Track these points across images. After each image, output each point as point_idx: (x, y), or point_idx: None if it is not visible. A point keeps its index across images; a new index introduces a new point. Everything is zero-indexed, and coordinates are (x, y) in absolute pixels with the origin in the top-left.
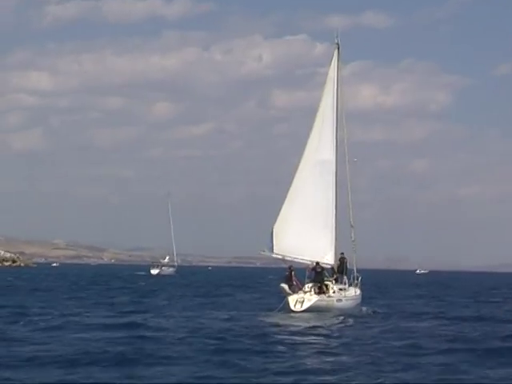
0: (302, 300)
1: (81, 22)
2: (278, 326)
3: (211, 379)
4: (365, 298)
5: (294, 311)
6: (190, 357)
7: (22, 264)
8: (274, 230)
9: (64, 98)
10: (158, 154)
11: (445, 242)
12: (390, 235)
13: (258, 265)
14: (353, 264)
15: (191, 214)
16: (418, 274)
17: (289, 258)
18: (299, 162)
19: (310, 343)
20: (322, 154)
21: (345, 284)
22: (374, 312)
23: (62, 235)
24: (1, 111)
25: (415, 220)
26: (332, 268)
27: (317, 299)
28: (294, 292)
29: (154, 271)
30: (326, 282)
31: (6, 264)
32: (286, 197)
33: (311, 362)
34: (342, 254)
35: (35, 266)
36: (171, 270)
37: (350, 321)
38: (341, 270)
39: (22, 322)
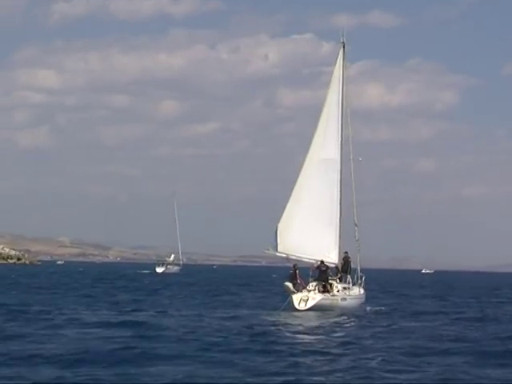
0: (307, 298)
1: (88, 20)
2: (280, 324)
3: (210, 378)
4: (368, 298)
5: (298, 310)
6: (189, 356)
7: (27, 262)
8: (279, 229)
9: (71, 95)
10: (164, 152)
11: (450, 241)
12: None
13: (264, 264)
14: (357, 263)
15: (197, 212)
16: (423, 274)
17: (293, 257)
18: (304, 160)
19: (312, 342)
20: (327, 153)
21: (348, 283)
22: (377, 311)
23: (68, 233)
24: (8, 109)
25: (421, 219)
26: (336, 267)
27: (321, 298)
28: (299, 290)
29: (160, 269)
30: (331, 281)
31: (11, 262)
32: (290, 195)
33: (312, 362)
34: (346, 253)
35: (40, 263)
36: (176, 268)
37: (354, 320)
38: (345, 269)
39: (21, 320)
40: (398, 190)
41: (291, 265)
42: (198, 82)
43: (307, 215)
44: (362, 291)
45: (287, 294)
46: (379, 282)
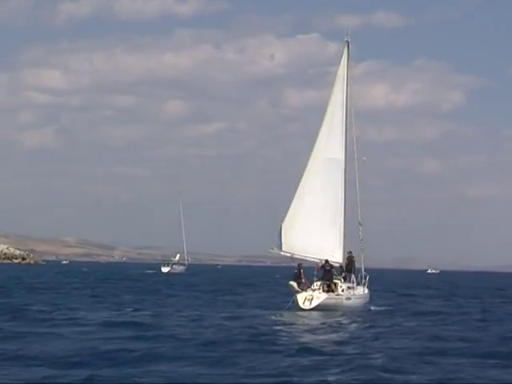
0: (311, 298)
1: (93, 20)
2: (283, 324)
3: (211, 378)
4: (373, 298)
5: (302, 309)
6: (189, 356)
7: (32, 261)
8: (283, 228)
9: (76, 96)
10: (170, 152)
11: (455, 242)
12: (400, 235)
13: (269, 263)
14: (361, 263)
15: (202, 212)
16: (429, 274)
17: (297, 256)
18: (308, 159)
19: (314, 342)
20: (331, 152)
21: (353, 283)
22: (381, 311)
23: (73, 233)
24: (13, 109)
25: (425, 220)
26: (341, 266)
27: (325, 297)
28: (303, 290)
29: (165, 269)
30: (335, 281)
31: (16, 261)
32: (294, 195)
33: (312, 362)
34: (350, 252)
35: (44, 263)
36: (181, 268)
37: (357, 319)
38: (349, 269)
39: (21, 319)
40: (403, 190)
41: (296, 264)
42: (204, 82)
43: (311, 215)
44: (367, 291)
45: (292, 294)
46: (384, 282)
